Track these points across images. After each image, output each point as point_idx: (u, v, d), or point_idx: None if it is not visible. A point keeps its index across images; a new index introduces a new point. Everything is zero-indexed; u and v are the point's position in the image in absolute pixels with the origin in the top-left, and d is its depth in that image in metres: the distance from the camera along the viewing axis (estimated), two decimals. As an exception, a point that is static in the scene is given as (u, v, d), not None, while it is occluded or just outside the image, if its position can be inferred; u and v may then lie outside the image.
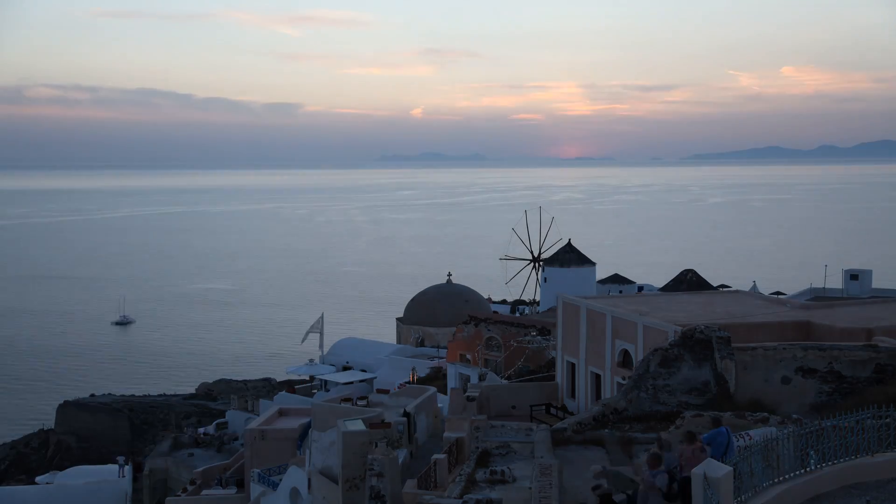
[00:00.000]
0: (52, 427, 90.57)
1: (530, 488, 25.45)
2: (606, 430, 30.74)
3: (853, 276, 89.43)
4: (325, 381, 77.82)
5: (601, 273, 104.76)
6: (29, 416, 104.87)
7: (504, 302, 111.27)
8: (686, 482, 18.32)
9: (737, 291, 59.70)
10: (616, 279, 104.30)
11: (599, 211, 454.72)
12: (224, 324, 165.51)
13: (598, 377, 43.41)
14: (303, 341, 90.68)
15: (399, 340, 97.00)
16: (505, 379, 60.35)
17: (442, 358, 75.95)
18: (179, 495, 53.49)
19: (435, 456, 31.42)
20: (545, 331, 67.14)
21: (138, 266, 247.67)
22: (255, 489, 47.31)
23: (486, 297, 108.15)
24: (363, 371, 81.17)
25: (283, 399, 71.26)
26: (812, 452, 19.48)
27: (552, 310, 67.22)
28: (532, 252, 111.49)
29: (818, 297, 76.96)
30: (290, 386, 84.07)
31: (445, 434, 34.84)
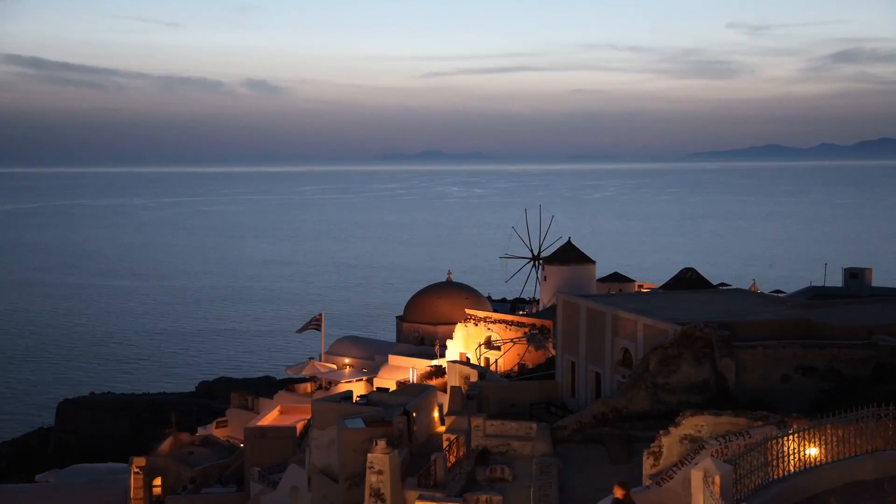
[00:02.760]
0: (53, 425, 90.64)
1: (530, 487, 25.49)
2: (606, 429, 30.76)
3: (853, 274, 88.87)
4: (324, 381, 77.78)
5: (601, 271, 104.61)
6: (29, 414, 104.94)
7: (504, 300, 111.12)
8: None
9: (736, 290, 59.72)
10: (616, 277, 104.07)
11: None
12: (224, 323, 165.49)
13: (598, 375, 43.39)
14: (299, 332, 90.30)
15: (399, 339, 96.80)
16: (505, 377, 60.28)
17: (442, 357, 75.89)
18: (179, 494, 53.45)
19: (435, 454, 31.41)
20: (545, 329, 67.09)
21: (137, 265, 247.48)
22: (255, 487, 47.33)
23: (485, 295, 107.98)
24: (363, 371, 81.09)
25: (283, 398, 71.32)
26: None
27: (552, 308, 67.16)
28: (532, 250, 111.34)
29: (818, 296, 76.74)
30: (290, 385, 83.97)
31: (445, 433, 34.86)
